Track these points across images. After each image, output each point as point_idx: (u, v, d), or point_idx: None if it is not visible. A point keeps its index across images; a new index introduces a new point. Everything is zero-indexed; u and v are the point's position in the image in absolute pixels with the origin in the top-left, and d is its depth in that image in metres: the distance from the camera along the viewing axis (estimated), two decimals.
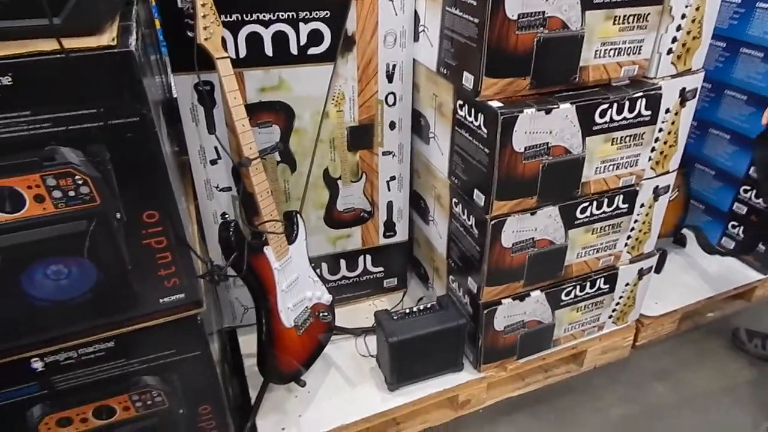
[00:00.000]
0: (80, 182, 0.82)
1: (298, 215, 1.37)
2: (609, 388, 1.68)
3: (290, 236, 1.34)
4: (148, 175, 0.86)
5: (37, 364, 0.97)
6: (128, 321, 1.00)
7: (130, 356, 1.04)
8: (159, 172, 0.87)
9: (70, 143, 0.79)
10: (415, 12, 1.40)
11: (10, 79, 0.71)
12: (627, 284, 1.63)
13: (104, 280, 0.92)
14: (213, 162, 1.39)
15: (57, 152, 0.78)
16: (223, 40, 1.15)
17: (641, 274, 1.63)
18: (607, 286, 1.59)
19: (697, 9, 1.31)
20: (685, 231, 2.08)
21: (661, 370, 1.74)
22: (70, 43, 0.72)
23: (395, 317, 1.46)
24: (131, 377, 1.07)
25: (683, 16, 1.29)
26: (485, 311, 1.43)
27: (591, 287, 1.56)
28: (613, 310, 1.67)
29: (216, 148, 1.37)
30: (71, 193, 0.82)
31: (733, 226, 2.00)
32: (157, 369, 1.08)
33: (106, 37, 0.76)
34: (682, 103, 1.41)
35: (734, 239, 2.01)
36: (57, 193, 0.81)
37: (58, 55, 0.71)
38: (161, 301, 1.00)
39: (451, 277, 1.60)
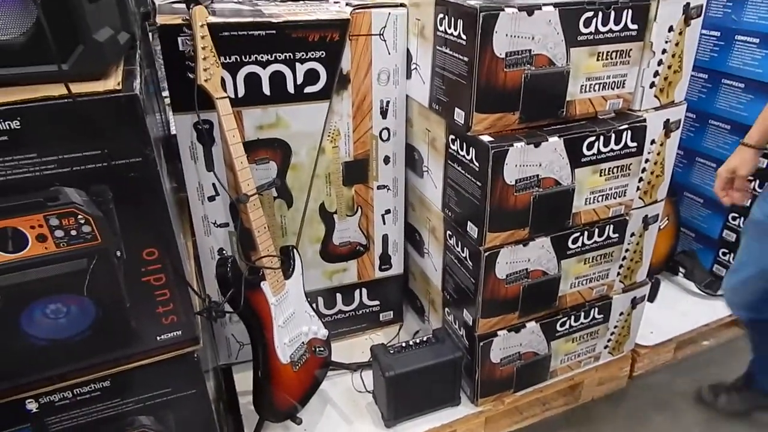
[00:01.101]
0: (82, 221, 0.83)
1: (295, 250, 1.38)
2: (608, 420, 1.67)
3: (287, 271, 1.35)
4: (149, 213, 0.88)
5: (32, 405, 0.95)
6: (125, 359, 0.99)
7: (126, 395, 1.03)
8: (160, 211, 0.89)
9: (74, 183, 0.81)
10: (408, 51, 1.45)
11: (18, 123, 0.73)
12: (621, 314, 1.64)
13: (103, 318, 0.92)
14: (211, 198, 1.41)
15: (61, 192, 0.80)
16: (223, 81, 1.19)
17: (635, 303, 1.65)
18: (602, 315, 1.60)
19: (677, 44, 1.37)
20: (681, 259, 2.11)
21: (660, 401, 1.73)
22: (77, 87, 0.75)
23: (391, 351, 1.46)
24: (126, 417, 1.05)
25: (664, 51, 1.35)
26: (481, 343, 1.44)
27: (585, 317, 1.57)
28: (609, 340, 1.68)
29: (214, 184, 1.39)
30: (73, 233, 0.83)
31: (724, 253, 2.04)
32: (153, 408, 1.07)
33: (112, 82, 0.78)
34: (667, 134, 1.45)
35: (725, 266, 2.04)
36: (59, 233, 0.82)
37: (66, 100, 0.74)
38: (158, 338, 1.00)
39: (446, 309, 1.61)
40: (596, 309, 1.58)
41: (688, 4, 1.32)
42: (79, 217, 0.82)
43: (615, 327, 1.66)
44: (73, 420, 1.00)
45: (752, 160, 1.33)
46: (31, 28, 0.72)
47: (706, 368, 1.85)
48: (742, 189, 1.37)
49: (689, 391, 1.76)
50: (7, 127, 0.73)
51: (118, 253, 0.88)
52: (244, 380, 1.54)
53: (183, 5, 1.20)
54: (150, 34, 1.31)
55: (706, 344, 1.93)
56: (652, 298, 1.89)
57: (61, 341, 0.91)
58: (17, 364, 0.90)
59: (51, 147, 0.77)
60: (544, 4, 1.16)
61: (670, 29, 1.33)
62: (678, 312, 1.92)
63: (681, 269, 2.10)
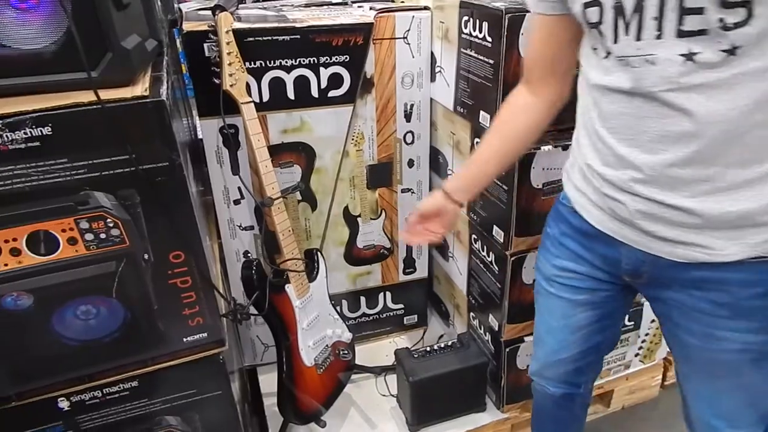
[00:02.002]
0: (111, 225, 0.85)
1: (319, 253, 1.39)
2: (638, 429, 1.62)
3: (311, 274, 1.35)
4: (176, 216, 0.89)
5: (64, 404, 0.98)
6: (153, 360, 1.01)
7: (153, 396, 1.05)
8: (186, 214, 0.90)
9: (103, 188, 0.82)
10: (432, 54, 1.44)
11: (50, 129, 0.75)
12: (652, 321, 1.59)
13: (131, 320, 0.94)
14: (236, 202, 1.42)
15: (91, 197, 0.82)
16: (248, 85, 1.20)
17: None
18: (632, 323, 1.56)
19: None
20: None
21: None
22: (105, 94, 0.76)
23: (416, 356, 1.45)
24: (153, 417, 1.07)
25: None
26: (507, 349, 1.41)
27: None
28: (639, 348, 1.63)
29: (239, 188, 1.40)
30: (102, 236, 0.85)
31: None
32: (179, 409, 1.08)
33: (139, 88, 0.80)
34: None
35: None
36: (89, 236, 0.84)
37: (95, 106, 0.75)
38: (185, 340, 1.01)
39: (471, 314, 1.59)
40: (627, 316, 1.54)
41: None
42: (108, 220, 0.84)
43: (646, 335, 1.61)
44: (102, 419, 1.02)
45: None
46: (62, 38, 0.74)
47: None
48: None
49: None
50: (39, 133, 0.75)
51: (146, 256, 0.90)
52: (268, 382, 1.55)
53: (209, 12, 1.21)
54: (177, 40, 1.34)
55: None
56: None
57: (91, 342, 0.93)
58: (49, 363, 0.93)
59: (81, 152, 0.79)
60: None
61: None
62: None
63: None
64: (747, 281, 0.76)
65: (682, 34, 0.65)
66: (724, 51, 0.63)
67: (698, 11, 0.63)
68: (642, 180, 0.75)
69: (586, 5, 0.74)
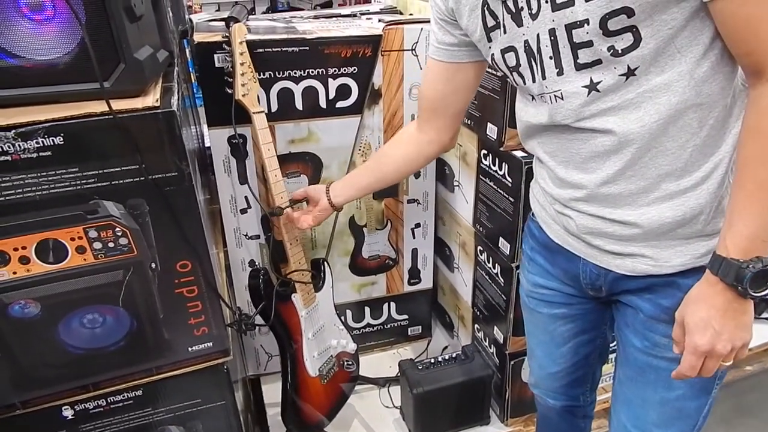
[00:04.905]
0: (120, 234, 0.85)
1: (326, 263, 1.39)
2: None
3: (317, 284, 1.35)
4: (184, 226, 0.89)
5: (68, 412, 0.98)
6: (157, 369, 1.01)
7: (157, 405, 1.04)
8: (194, 224, 0.90)
9: (113, 197, 0.83)
10: None
11: (61, 139, 0.76)
12: None
13: (137, 329, 0.94)
14: (243, 211, 1.43)
15: (100, 206, 0.82)
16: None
17: None
18: None
19: None
20: None
21: None
22: (117, 104, 0.77)
23: (420, 367, 1.44)
24: (156, 426, 1.06)
25: None
26: (512, 362, 1.40)
27: None
28: None
29: (246, 197, 1.41)
30: (111, 245, 0.85)
31: None
32: (182, 418, 1.08)
33: (151, 99, 0.80)
34: None
35: None
36: (98, 245, 0.85)
37: (107, 117, 0.76)
38: (190, 349, 1.01)
39: (476, 325, 1.58)
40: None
41: None
42: (117, 229, 0.85)
43: None
44: (106, 428, 1.02)
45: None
46: (76, 49, 0.74)
47: (748, 394, 1.76)
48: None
49: (730, 417, 1.68)
50: (51, 143, 0.76)
51: (153, 265, 0.90)
52: (272, 391, 1.55)
53: (219, 23, 1.23)
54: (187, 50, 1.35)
55: (749, 369, 1.84)
56: None
57: (97, 350, 0.93)
58: (55, 371, 0.93)
59: (91, 162, 0.79)
60: None
61: None
62: None
63: None
64: (688, 285, 0.73)
65: (579, 66, 0.68)
66: (622, 75, 0.66)
67: (588, 44, 0.65)
68: (582, 198, 0.77)
69: (504, 51, 0.76)
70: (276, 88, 1.31)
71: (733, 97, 0.68)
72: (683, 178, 0.71)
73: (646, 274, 0.78)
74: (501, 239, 1.33)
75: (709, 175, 0.70)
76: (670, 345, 0.76)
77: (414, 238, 1.65)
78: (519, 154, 1.21)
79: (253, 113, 1.17)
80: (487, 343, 1.51)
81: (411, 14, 1.54)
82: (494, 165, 1.30)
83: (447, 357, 1.47)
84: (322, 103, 1.36)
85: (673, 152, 0.69)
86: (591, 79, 0.68)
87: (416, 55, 1.41)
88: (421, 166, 1.05)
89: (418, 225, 1.64)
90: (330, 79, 1.34)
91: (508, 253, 1.31)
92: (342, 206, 1.16)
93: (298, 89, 1.33)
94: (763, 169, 0.61)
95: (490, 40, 0.77)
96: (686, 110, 0.66)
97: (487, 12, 0.75)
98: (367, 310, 1.71)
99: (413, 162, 1.06)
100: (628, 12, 0.61)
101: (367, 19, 1.50)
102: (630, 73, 0.65)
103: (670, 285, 0.77)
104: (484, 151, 1.34)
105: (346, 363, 1.43)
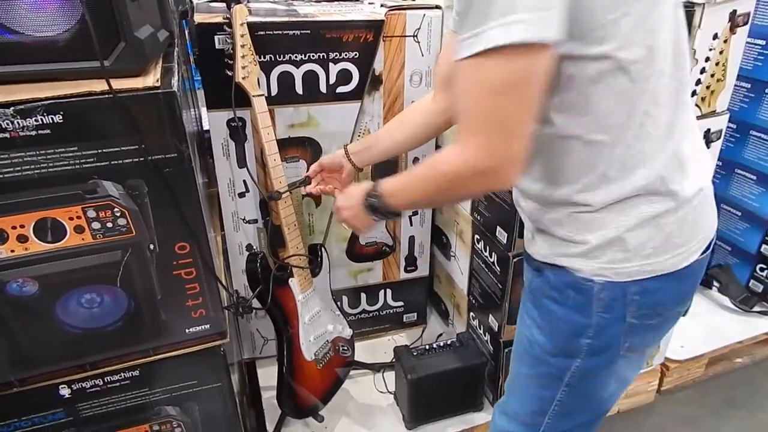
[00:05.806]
0: (118, 214, 0.85)
1: (323, 248, 1.39)
2: None
3: (314, 269, 1.35)
4: (183, 208, 0.89)
5: (65, 391, 0.98)
6: (154, 350, 1.01)
7: (153, 386, 1.05)
8: (193, 206, 0.90)
9: (111, 177, 0.82)
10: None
11: (61, 117, 0.75)
12: None
13: (134, 310, 0.94)
14: (241, 195, 1.42)
15: (99, 186, 0.82)
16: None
17: None
18: None
19: (721, 52, 1.32)
20: (715, 273, 2.04)
21: (689, 417, 1.68)
22: (117, 83, 0.76)
23: (414, 353, 1.45)
24: (153, 407, 1.07)
25: (707, 59, 1.31)
26: (506, 350, 1.42)
27: None
28: None
29: (244, 181, 1.40)
30: (109, 225, 0.85)
31: (762, 269, 1.96)
32: (179, 399, 1.09)
33: (151, 78, 0.80)
34: (707, 145, 1.41)
35: (762, 282, 1.96)
36: (96, 225, 0.84)
37: (107, 96, 0.75)
38: (187, 331, 1.02)
39: (471, 314, 1.59)
40: None
41: (734, 11, 1.27)
42: (116, 210, 0.84)
43: None
44: (102, 407, 1.03)
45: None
46: (76, 26, 0.74)
47: (739, 387, 1.79)
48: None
49: (719, 408, 1.71)
50: (51, 121, 0.75)
51: (151, 246, 0.90)
52: (267, 375, 1.55)
53: (220, 4, 1.21)
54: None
55: (739, 362, 1.86)
56: (684, 311, 1.84)
57: (94, 330, 0.93)
58: (52, 350, 0.93)
59: (91, 141, 0.79)
60: None
61: (715, 37, 1.28)
62: (711, 327, 1.86)
63: (715, 283, 2.03)
64: (550, 278, 0.83)
65: None
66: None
67: None
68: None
69: None
70: (276, 71, 1.30)
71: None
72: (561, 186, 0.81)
73: (533, 257, 0.90)
74: (498, 228, 1.34)
75: None
76: (527, 324, 0.90)
77: (411, 225, 1.66)
78: None
79: (253, 96, 1.17)
80: (481, 331, 1.53)
81: (414, 0, 1.53)
82: None
83: (441, 344, 1.49)
84: (323, 88, 1.36)
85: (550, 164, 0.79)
86: None
87: (418, 42, 1.40)
88: (432, 136, 1.11)
89: (415, 213, 1.64)
90: (331, 64, 1.33)
91: (505, 242, 1.31)
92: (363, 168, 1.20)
93: (298, 73, 1.32)
94: (422, 181, 0.79)
95: None
96: None
97: None
98: (363, 296, 1.72)
99: (428, 128, 1.09)
100: None
101: (369, 3, 1.48)
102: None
103: (540, 270, 0.88)
104: None
105: (341, 348, 1.44)
